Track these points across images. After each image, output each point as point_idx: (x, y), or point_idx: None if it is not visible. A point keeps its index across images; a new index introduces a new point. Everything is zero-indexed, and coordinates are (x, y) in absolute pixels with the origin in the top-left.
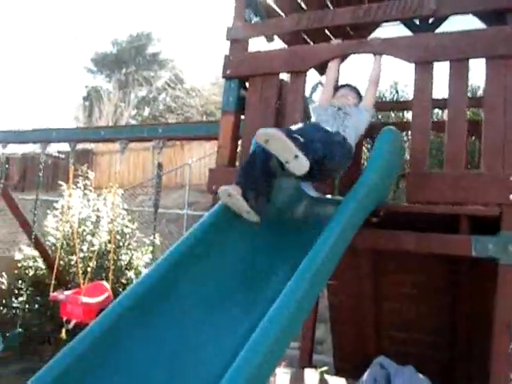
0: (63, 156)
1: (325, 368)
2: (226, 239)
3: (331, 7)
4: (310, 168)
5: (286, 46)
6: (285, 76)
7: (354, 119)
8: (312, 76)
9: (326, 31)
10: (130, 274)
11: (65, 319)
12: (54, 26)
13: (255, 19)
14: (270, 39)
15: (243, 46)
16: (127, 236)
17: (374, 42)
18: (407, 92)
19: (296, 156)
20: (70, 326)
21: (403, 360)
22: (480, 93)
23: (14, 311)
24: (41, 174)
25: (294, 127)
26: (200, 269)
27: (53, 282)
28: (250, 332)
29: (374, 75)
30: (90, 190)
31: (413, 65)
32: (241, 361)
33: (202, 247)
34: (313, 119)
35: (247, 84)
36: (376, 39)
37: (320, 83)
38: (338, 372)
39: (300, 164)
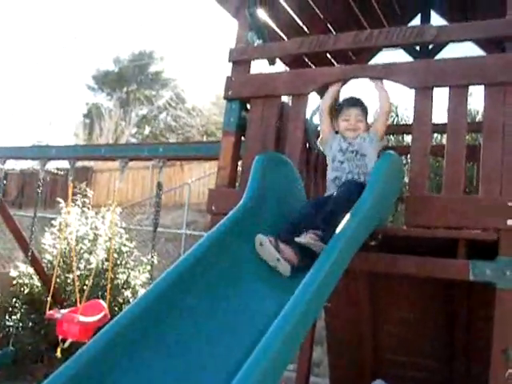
0: (62, 173)
1: None
2: (225, 259)
3: (333, 31)
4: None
5: (287, 69)
6: (285, 98)
7: (371, 158)
8: (312, 98)
9: (328, 55)
10: (127, 293)
11: (60, 338)
12: (56, 43)
13: (258, 42)
14: (271, 62)
15: (245, 68)
16: (125, 255)
17: (376, 67)
18: (407, 115)
19: (278, 259)
20: (66, 344)
21: None
22: (479, 118)
23: (7, 329)
24: (39, 191)
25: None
26: (199, 288)
27: (49, 299)
28: (251, 350)
29: (383, 104)
30: (89, 208)
31: (413, 90)
32: (239, 380)
33: (201, 267)
34: (326, 154)
35: (248, 105)
36: (377, 64)
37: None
38: None
39: (280, 267)
